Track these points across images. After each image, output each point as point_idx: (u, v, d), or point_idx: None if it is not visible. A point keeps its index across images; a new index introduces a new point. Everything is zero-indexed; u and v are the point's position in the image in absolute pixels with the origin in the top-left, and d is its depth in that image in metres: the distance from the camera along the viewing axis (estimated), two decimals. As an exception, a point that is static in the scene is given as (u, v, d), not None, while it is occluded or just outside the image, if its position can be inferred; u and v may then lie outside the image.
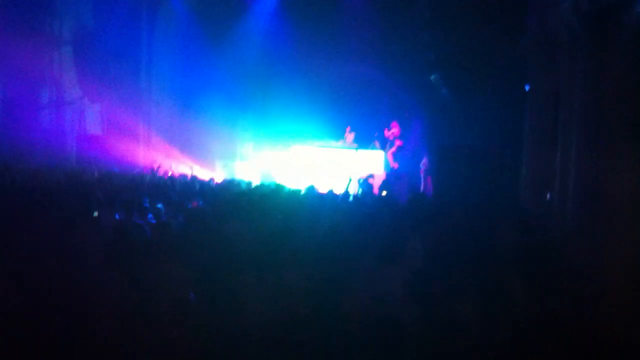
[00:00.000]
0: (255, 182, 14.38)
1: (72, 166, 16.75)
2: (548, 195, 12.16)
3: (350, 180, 12.97)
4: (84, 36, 18.43)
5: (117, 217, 7.40)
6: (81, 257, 4.85)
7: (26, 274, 4.47)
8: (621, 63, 9.56)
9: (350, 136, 18.89)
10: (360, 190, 14.25)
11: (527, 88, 13.46)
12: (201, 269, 4.92)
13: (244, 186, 12.53)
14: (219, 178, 15.23)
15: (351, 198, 10.92)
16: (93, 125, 18.98)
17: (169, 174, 15.21)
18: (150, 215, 7.51)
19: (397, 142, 17.99)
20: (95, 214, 7.41)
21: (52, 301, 4.06)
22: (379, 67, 18.91)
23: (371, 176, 16.29)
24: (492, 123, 14.34)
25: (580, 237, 9.86)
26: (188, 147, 19.55)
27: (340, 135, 19.02)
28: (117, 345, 4.01)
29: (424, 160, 16.76)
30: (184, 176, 14.58)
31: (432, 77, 16.11)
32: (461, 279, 4.91)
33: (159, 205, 8.21)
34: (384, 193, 13.29)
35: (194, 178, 14.01)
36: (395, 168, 17.85)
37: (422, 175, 16.80)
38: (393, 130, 18.09)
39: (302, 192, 10.84)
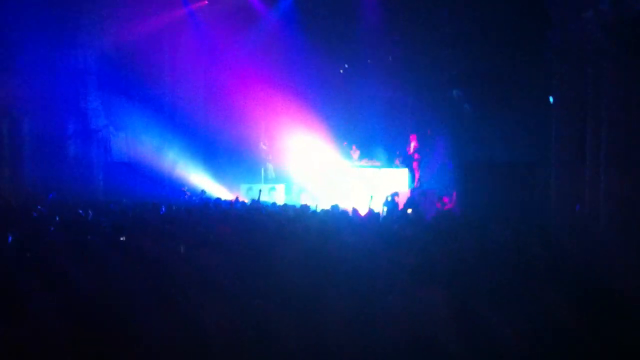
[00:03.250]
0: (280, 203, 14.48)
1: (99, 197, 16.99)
2: (577, 207, 11.99)
3: (372, 197, 12.91)
4: (107, 66, 18.67)
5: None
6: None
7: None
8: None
9: (355, 154, 18.97)
10: (386, 208, 14.22)
11: (551, 100, 13.33)
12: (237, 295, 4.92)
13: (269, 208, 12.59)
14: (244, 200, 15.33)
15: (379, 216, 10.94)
16: (119, 153, 19.14)
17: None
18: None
19: (417, 157, 17.95)
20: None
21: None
22: (400, 85, 18.90)
23: (396, 194, 16.23)
24: (518, 138, 14.22)
25: (611, 251, 9.72)
26: (213, 170, 19.68)
27: (363, 155, 19.03)
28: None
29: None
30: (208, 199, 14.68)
31: (455, 92, 16.04)
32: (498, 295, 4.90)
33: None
34: (409, 210, 13.23)
35: (218, 200, 14.09)
36: (420, 185, 17.78)
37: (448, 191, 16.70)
38: (412, 145, 18.03)
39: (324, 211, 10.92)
